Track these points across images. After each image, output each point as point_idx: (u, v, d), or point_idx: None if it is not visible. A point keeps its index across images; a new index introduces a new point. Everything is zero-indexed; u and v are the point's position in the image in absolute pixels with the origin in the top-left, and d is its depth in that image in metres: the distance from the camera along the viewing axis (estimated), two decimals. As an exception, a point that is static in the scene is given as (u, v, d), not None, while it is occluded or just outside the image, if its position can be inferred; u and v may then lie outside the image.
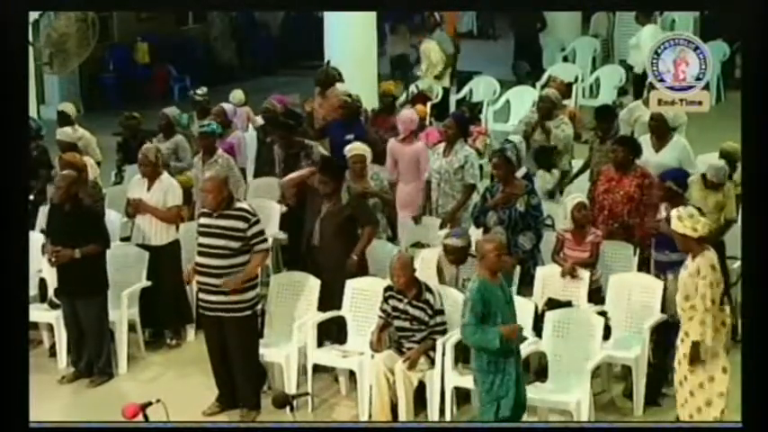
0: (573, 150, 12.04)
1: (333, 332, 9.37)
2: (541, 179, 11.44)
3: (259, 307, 8.95)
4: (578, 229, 9.43)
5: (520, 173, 10.25)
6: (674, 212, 7.99)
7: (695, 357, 7.82)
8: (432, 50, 17.22)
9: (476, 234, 10.02)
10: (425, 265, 9.43)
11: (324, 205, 9.55)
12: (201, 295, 8.88)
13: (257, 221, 8.78)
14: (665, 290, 8.98)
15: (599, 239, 9.49)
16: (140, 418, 6.19)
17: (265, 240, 8.90)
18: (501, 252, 7.70)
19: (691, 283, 7.80)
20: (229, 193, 8.83)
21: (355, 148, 10.50)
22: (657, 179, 9.54)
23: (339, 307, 9.30)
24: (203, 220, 8.83)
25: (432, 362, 8.63)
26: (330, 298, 9.32)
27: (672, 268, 8.85)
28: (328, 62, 14.66)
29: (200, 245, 8.78)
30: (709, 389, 7.87)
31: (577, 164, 12.00)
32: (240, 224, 8.68)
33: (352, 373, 9.08)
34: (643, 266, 9.65)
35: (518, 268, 9.58)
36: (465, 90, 17.71)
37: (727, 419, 7.72)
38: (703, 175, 9.96)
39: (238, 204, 8.83)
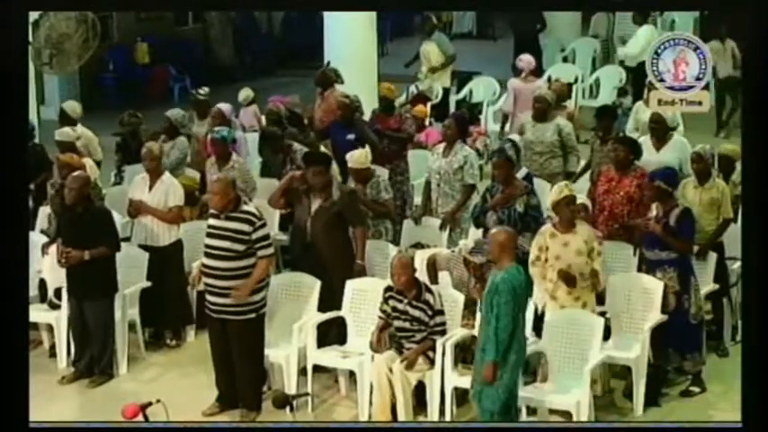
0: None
1: (333, 336, 9.36)
2: None
3: (264, 310, 8.91)
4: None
5: (520, 173, 10.25)
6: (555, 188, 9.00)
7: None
8: (432, 52, 17.19)
9: (475, 234, 10.03)
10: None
11: (315, 201, 9.55)
12: (208, 297, 8.87)
13: (263, 225, 8.75)
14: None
15: (600, 241, 9.46)
16: (140, 418, 6.20)
17: (270, 246, 8.85)
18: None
19: (582, 261, 8.76)
20: (236, 196, 8.80)
21: (351, 160, 10.36)
22: (647, 179, 9.52)
23: (336, 305, 9.30)
24: (211, 221, 8.82)
25: (431, 362, 8.63)
26: (327, 295, 9.31)
27: (661, 266, 8.96)
28: (328, 63, 14.65)
29: (207, 246, 8.78)
30: None
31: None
32: (245, 227, 8.66)
33: (352, 374, 9.08)
34: (643, 267, 9.64)
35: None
36: (465, 90, 17.68)
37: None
38: (694, 169, 9.90)
39: (245, 207, 8.78)
